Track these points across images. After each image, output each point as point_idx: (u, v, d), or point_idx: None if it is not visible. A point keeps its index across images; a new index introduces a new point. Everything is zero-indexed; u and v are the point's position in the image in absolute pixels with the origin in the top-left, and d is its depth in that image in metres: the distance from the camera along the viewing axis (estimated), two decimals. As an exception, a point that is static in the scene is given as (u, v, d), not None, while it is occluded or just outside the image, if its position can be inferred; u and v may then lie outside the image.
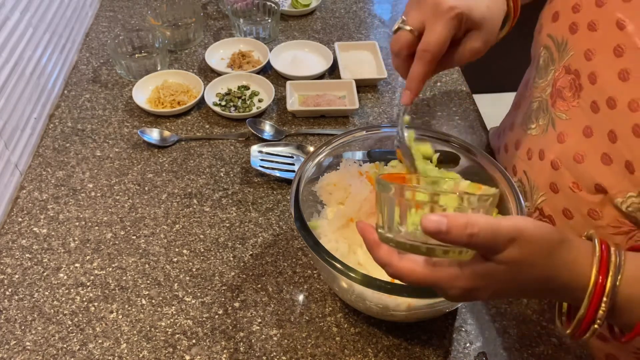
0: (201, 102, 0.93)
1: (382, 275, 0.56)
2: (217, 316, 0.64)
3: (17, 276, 0.68)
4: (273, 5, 1.11)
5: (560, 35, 0.62)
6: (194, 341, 0.62)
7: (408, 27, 0.55)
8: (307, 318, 0.64)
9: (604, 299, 0.40)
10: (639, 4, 0.53)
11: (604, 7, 0.56)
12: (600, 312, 0.41)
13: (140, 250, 0.71)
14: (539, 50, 0.67)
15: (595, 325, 0.41)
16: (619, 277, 0.40)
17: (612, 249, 0.42)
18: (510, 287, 0.42)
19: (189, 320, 0.64)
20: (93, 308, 0.65)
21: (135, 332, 0.63)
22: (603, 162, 0.56)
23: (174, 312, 0.65)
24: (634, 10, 0.53)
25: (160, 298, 0.66)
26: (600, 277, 0.40)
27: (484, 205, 0.41)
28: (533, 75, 0.70)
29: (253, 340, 0.62)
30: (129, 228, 0.74)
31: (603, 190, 0.56)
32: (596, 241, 0.42)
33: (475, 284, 0.41)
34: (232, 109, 0.91)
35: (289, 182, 0.80)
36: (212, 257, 0.71)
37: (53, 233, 0.73)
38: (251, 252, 0.71)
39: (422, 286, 0.43)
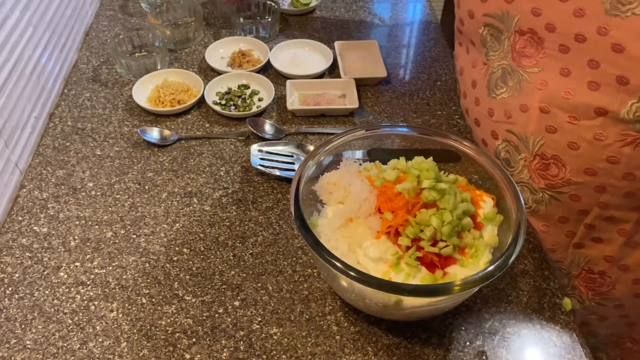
0: (201, 101, 0.93)
1: (382, 274, 0.57)
2: (217, 315, 0.65)
3: (17, 275, 0.68)
4: (273, 4, 1.10)
5: (498, 9, 0.67)
6: (194, 340, 0.62)
7: None
8: (307, 317, 0.64)
9: None
10: None
11: None
12: None
13: (141, 249, 0.71)
14: (479, 30, 0.72)
15: None
16: None
17: None
18: None
19: (189, 319, 0.64)
20: (93, 307, 0.65)
21: (135, 330, 0.63)
22: (591, 88, 0.60)
23: (174, 310, 0.65)
24: None
25: (161, 297, 0.66)
26: None
27: None
28: (482, 53, 0.74)
29: (253, 339, 0.62)
30: (129, 227, 0.74)
31: (603, 112, 0.60)
32: None
33: None
34: (232, 108, 0.91)
35: (289, 181, 0.80)
36: (212, 256, 0.71)
37: (53, 232, 0.73)
38: (251, 251, 0.71)
39: None
